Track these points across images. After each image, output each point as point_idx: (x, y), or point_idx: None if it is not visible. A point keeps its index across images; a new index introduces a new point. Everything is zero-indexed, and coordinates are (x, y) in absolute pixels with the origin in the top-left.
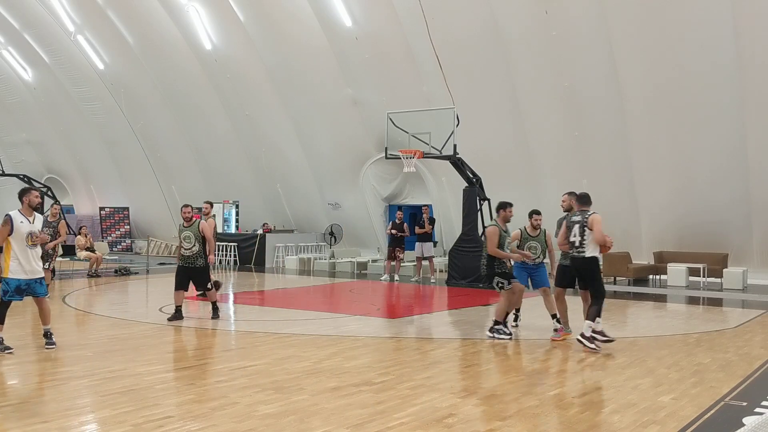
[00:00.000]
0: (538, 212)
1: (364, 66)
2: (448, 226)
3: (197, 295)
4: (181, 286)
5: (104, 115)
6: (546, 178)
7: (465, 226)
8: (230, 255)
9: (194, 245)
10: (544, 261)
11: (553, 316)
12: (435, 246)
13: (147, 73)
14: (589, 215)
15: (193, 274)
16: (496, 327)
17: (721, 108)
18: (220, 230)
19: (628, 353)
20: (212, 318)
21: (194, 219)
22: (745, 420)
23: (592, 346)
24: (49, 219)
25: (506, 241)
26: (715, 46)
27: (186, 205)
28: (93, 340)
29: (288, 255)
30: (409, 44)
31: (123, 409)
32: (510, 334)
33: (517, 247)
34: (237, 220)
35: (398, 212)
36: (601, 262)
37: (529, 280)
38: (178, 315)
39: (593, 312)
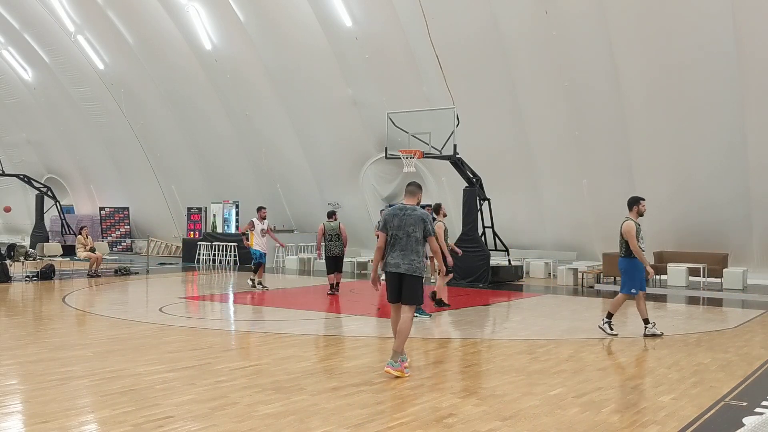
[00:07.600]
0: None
1: (364, 66)
2: (448, 226)
3: (327, 294)
4: (330, 270)
5: (104, 115)
6: (546, 178)
7: (465, 226)
8: (230, 255)
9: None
10: None
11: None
12: None
13: (147, 73)
14: None
15: (336, 259)
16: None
17: (721, 106)
18: (220, 230)
19: (628, 353)
20: (329, 294)
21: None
22: (745, 420)
23: None
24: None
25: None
26: (715, 44)
27: (333, 212)
28: (93, 340)
29: (288, 255)
30: (409, 44)
31: (123, 409)
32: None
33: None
34: (237, 220)
35: None
36: None
37: None
38: (334, 291)
39: None
